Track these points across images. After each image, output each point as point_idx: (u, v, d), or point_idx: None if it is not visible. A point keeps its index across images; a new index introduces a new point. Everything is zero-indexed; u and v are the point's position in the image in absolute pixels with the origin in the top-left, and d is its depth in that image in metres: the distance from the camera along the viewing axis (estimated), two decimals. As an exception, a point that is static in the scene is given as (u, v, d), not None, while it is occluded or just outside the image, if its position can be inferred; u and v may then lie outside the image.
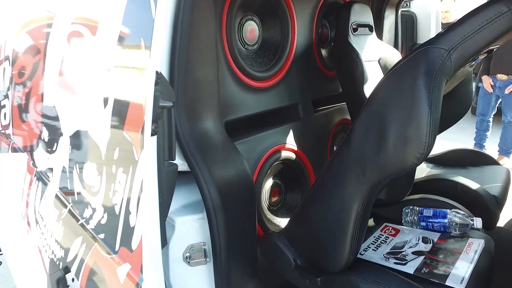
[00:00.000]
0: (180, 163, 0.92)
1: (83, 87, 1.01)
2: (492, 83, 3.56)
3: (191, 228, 0.95)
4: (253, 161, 1.34)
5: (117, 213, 0.80)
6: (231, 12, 1.20)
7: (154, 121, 0.63)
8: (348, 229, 0.88)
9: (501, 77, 3.47)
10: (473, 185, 1.41)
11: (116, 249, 0.84)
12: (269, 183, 1.45)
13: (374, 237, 1.17)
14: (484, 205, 1.37)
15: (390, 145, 0.75)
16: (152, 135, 0.64)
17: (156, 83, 0.64)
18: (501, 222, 1.49)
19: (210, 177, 0.89)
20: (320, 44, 1.66)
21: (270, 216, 1.45)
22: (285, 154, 1.45)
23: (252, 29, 1.34)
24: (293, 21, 1.43)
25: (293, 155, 1.48)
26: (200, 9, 0.93)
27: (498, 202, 1.44)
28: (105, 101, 0.86)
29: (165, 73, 0.86)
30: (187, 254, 0.96)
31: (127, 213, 0.74)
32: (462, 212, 1.15)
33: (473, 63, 0.97)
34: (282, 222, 1.49)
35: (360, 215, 0.87)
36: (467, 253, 1.03)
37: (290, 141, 1.49)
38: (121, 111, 0.81)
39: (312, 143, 1.63)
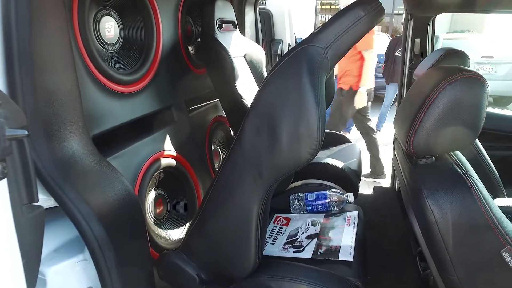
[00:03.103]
0: (43, 199, 0.72)
1: None
2: None
3: (70, 276, 0.77)
4: (132, 176, 1.19)
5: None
6: (83, 4, 1.00)
7: (1, 160, 0.45)
8: (251, 233, 0.86)
9: None
10: (339, 163, 1.61)
11: None
12: (151, 195, 1.32)
13: (269, 230, 1.20)
14: (349, 180, 1.59)
15: (283, 144, 0.75)
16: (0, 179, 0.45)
17: None
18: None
19: (89, 209, 0.73)
20: (186, 41, 1.58)
21: (158, 231, 1.33)
22: (165, 161, 1.34)
23: (110, 25, 1.16)
24: (156, 16, 1.30)
25: (173, 161, 1.38)
26: (42, 4, 0.73)
27: (357, 174, 1.69)
28: None
29: (1, 87, 0.65)
30: (69, 308, 0.78)
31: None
32: (338, 191, 1.30)
33: None
34: (172, 234, 1.38)
35: (261, 216, 0.86)
36: (348, 226, 1.17)
37: (168, 146, 1.39)
38: None
39: (190, 145, 1.56)
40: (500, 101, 6.68)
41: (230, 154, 0.87)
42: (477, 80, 0.78)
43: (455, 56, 1.56)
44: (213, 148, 1.80)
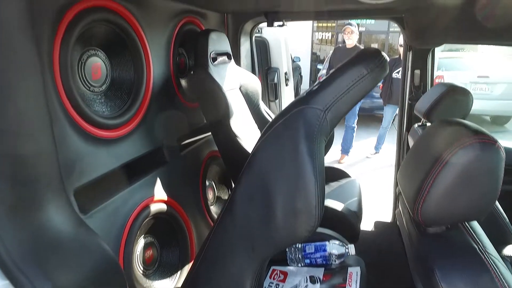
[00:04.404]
0: (5, 284, 0.63)
1: None
2: None
3: None
4: (119, 226, 1.10)
5: None
6: (66, 47, 0.93)
7: None
8: None
9: None
10: (338, 206, 1.53)
11: None
12: (140, 244, 1.23)
13: (265, 287, 1.11)
14: (349, 223, 1.50)
15: (278, 218, 0.68)
16: None
17: None
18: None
19: None
20: (178, 74, 1.52)
21: (147, 283, 1.23)
22: (155, 207, 1.25)
23: (97, 66, 1.09)
24: (146, 53, 1.24)
25: (164, 207, 1.30)
26: (9, 53, 0.63)
27: (358, 216, 1.61)
28: None
29: None
30: None
31: None
32: (338, 242, 1.21)
33: None
34: (162, 286, 1.29)
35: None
36: (350, 286, 1.08)
37: (159, 191, 1.30)
38: None
39: (183, 186, 1.47)
40: (497, 120, 6.68)
41: (221, 221, 0.79)
42: (492, 146, 0.72)
43: (458, 94, 1.51)
44: (207, 184, 1.72)
